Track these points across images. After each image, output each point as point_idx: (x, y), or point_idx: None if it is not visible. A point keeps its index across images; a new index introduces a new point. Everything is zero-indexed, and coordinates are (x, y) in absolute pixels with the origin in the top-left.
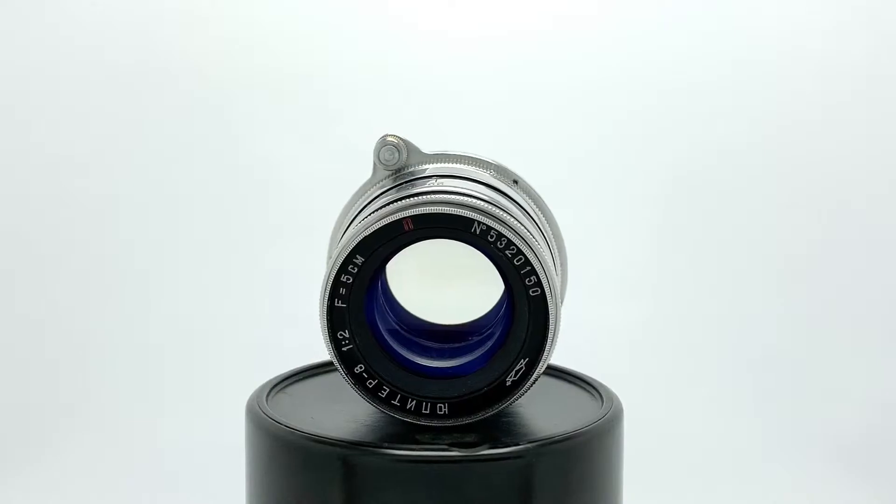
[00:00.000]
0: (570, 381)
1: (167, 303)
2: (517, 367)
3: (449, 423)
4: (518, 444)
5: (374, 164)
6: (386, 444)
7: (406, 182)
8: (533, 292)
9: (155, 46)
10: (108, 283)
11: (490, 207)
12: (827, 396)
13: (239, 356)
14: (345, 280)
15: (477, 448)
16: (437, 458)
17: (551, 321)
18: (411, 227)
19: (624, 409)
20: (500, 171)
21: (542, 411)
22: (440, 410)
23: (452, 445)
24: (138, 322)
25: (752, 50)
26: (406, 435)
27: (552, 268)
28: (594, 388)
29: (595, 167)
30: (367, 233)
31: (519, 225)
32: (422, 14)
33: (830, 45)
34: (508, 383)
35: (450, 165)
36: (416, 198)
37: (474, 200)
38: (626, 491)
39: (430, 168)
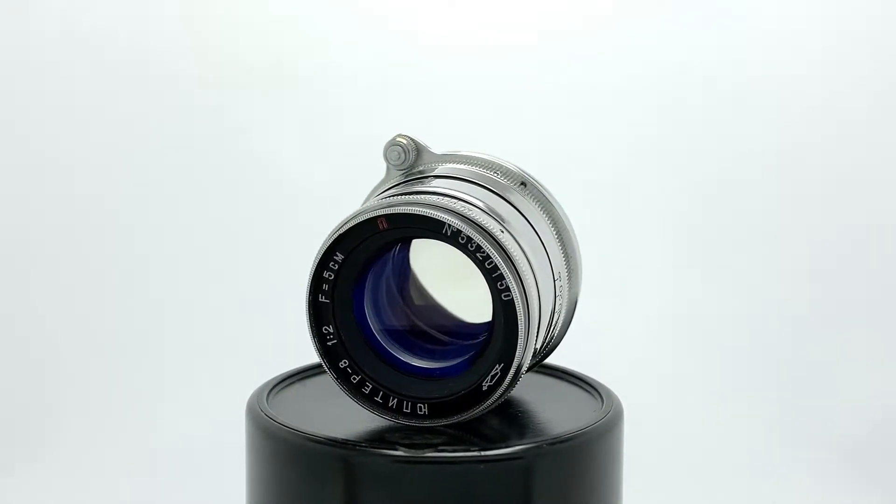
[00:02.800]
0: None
1: (167, 303)
2: (493, 372)
3: (426, 423)
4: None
5: (387, 164)
6: (363, 444)
7: (408, 181)
8: (505, 297)
9: (156, 46)
10: (107, 282)
11: (465, 209)
12: (828, 396)
13: (239, 356)
14: (327, 276)
15: (423, 450)
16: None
17: (521, 327)
18: (386, 225)
19: (624, 409)
20: (507, 173)
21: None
22: (420, 410)
23: (402, 444)
24: (138, 321)
25: (763, 54)
26: (387, 434)
27: (528, 273)
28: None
29: (595, 166)
30: (343, 230)
31: (496, 226)
32: (438, 16)
33: (864, 55)
34: (485, 388)
35: (456, 167)
36: (396, 198)
37: (452, 202)
38: (626, 491)
39: (439, 169)
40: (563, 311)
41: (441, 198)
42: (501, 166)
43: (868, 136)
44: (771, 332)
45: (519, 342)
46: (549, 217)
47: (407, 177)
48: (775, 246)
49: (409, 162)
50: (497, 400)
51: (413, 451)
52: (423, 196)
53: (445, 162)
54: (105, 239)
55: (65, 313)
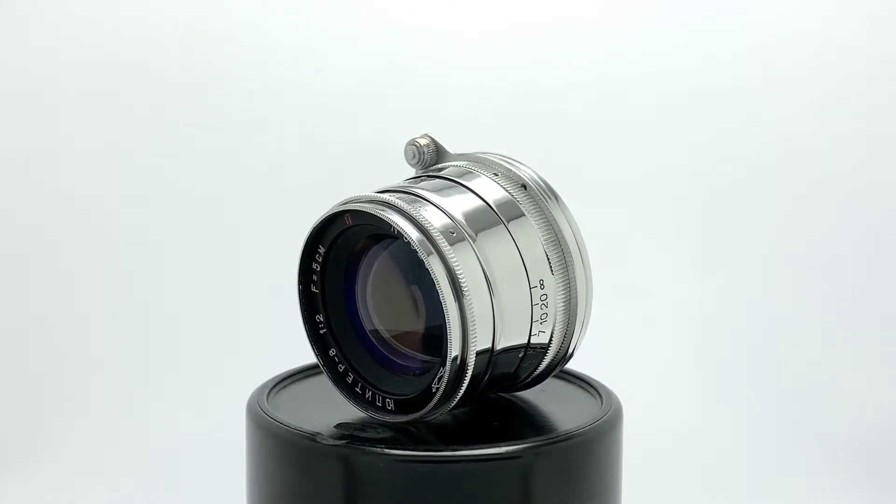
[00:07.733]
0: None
1: (167, 303)
2: (439, 374)
3: (388, 418)
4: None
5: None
6: (303, 433)
7: (412, 179)
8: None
9: (155, 47)
10: (108, 282)
11: (421, 211)
12: (828, 397)
13: (239, 356)
14: (314, 267)
15: (341, 440)
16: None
17: (449, 330)
18: (350, 222)
19: (624, 409)
20: (510, 175)
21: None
22: (388, 406)
23: (324, 434)
24: (138, 321)
25: (767, 56)
26: (343, 426)
27: (476, 279)
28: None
29: (596, 166)
30: (317, 223)
31: (447, 230)
32: (449, 14)
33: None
34: (433, 389)
35: (459, 167)
36: (363, 195)
37: (411, 202)
38: (626, 491)
39: (446, 171)
40: (556, 319)
41: (406, 196)
42: (507, 168)
43: (871, 138)
44: (772, 334)
45: (449, 346)
46: (545, 222)
47: (421, 174)
48: (777, 247)
49: (426, 161)
50: (441, 402)
51: (330, 441)
52: (391, 195)
53: (454, 162)
54: (105, 239)
55: (64, 313)
